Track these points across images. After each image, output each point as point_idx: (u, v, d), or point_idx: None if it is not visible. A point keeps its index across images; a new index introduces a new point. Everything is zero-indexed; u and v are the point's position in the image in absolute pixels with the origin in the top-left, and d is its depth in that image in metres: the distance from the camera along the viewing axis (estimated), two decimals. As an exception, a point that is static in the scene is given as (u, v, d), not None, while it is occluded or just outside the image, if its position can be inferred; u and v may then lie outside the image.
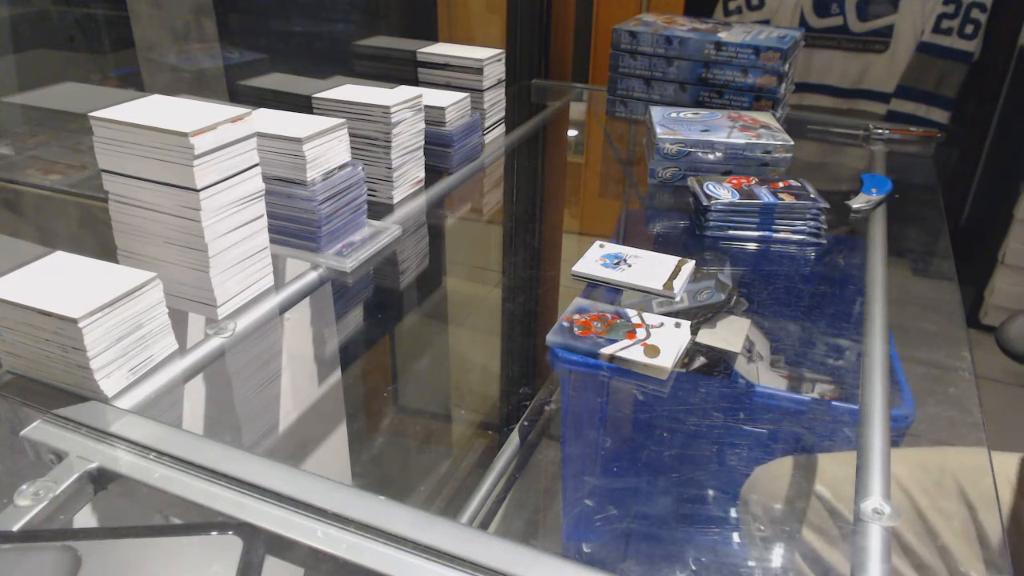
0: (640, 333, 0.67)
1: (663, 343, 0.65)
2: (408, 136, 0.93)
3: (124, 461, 0.50)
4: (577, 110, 1.53)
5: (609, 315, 0.69)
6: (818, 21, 1.69)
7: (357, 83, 0.97)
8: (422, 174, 0.99)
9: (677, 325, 0.68)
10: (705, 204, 0.90)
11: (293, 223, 0.78)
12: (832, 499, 0.59)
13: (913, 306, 0.74)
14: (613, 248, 0.83)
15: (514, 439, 0.68)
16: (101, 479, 0.50)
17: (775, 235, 0.91)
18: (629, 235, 1.00)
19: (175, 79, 1.14)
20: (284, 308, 0.72)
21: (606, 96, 1.33)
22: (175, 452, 0.51)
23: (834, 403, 0.64)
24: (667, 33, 1.22)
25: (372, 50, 1.21)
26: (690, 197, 0.98)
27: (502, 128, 1.23)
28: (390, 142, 0.90)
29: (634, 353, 0.64)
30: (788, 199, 0.90)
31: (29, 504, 0.46)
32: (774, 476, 0.61)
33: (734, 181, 0.95)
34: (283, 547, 0.45)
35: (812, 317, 0.78)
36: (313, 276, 0.77)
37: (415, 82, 1.17)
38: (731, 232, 0.91)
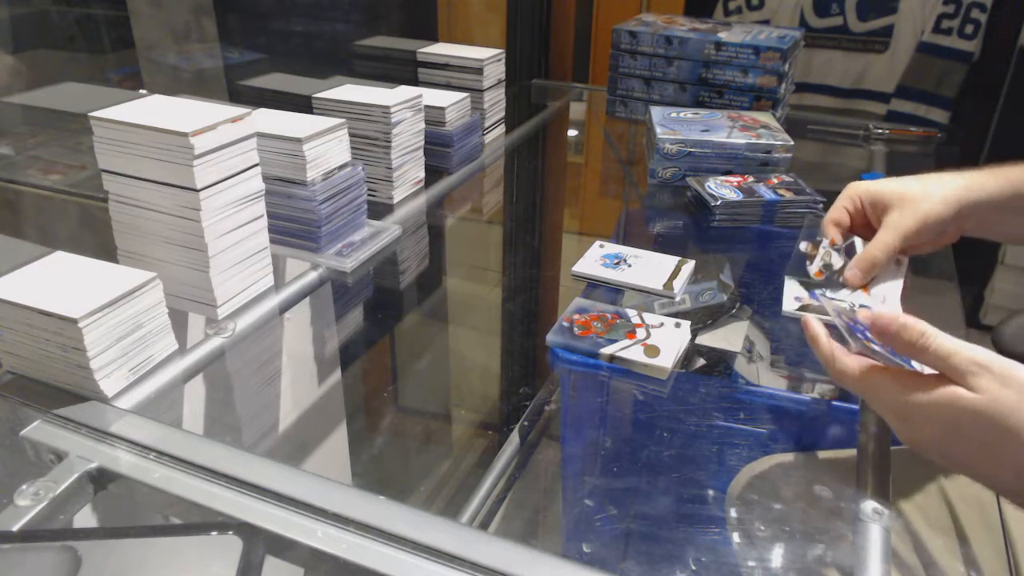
0: (640, 333, 0.67)
1: (663, 343, 0.65)
2: (408, 136, 0.93)
3: (124, 461, 0.50)
4: (577, 110, 1.53)
5: (609, 315, 0.69)
6: (818, 21, 1.69)
7: (357, 83, 0.97)
8: (422, 174, 0.99)
9: (677, 325, 0.68)
10: (713, 204, 0.90)
11: (293, 223, 0.78)
12: (830, 498, 0.59)
13: (913, 306, 0.74)
14: (613, 248, 0.83)
15: (514, 439, 0.68)
16: (101, 479, 0.50)
17: (776, 230, 0.92)
18: (629, 235, 1.00)
19: (175, 79, 1.14)
20: (284, 308, 0.72)
21: (606, 96, 1.33)
22: (175, 452, 0.51)
23: (834, 403, 0.64)
24: (667, 33, 1.22)
25: (372, 50, 1.21)
26: (690, 197, 0.98)
27: (502, 128, 1.23)
28: (390, 142, 0.90)
29: (634, 353, 0.64)
30: (788, 194, 0.92)
31: (29, 504, 0.46)
32: (763, 474, 0.61)
33: (734, 180, 0.96)
34: (283, 547, 0.45)
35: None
36: (313, 276, 0.77)
37: (415, 82, 1.17)
38: (734, 230, 0.92)
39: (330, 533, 0.45)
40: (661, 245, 0.90)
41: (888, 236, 0.64)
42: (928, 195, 0.63)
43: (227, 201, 0.65)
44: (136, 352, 0.57)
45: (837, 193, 0.71)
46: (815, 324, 0.54)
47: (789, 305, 0.72)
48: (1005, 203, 0.62)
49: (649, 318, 0.69)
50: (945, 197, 0.62)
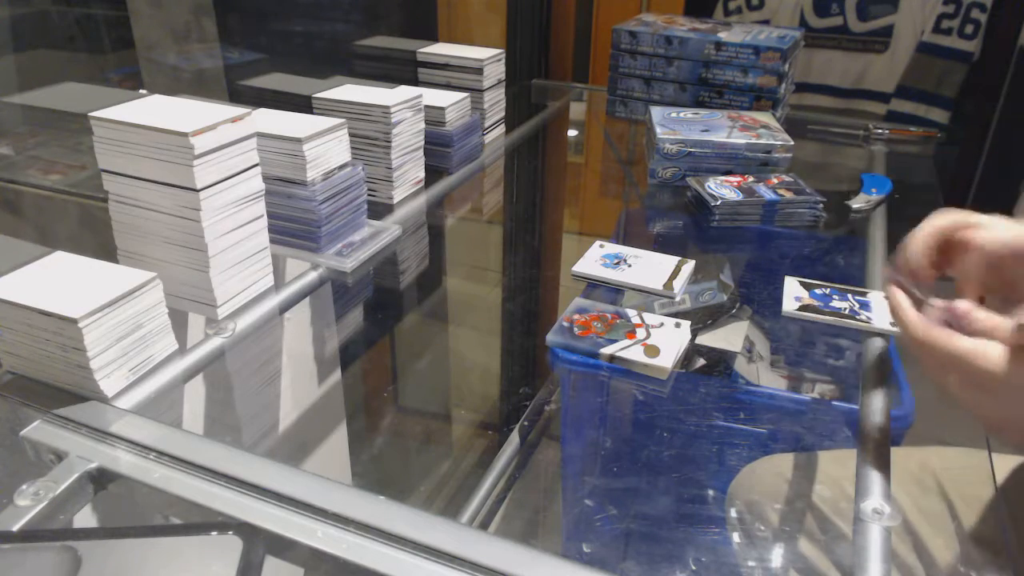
0: (640, 333, 0.67)
1: (663, 343, 0.65)
2: (408, 136, 0.93)
3: (124, 461, 0.50)
4: (577, 110, 1.53)
5: (609, 315, 0.69)
6: (818, 21, 1.69)
7: (357, 83, 0.97)
8: (422, 174, 0.99)
9: (677, 325, 0.68)
10: (713, 204, 0.91)
11: (293, 223, 0.78)
12: (830, 498, 0.59)
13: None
14: (613, 248, 0.83)
15: (514, 439, 0.68)
16: (101, 479, 0.50)
17: (776, 229, 0.92)
18: (629, 235, 1.00)
19: (175, 79, 1.14)
20: (284, 308, 0.72)
21: (606, 96, 1.33)
22: (175, 452, 0.51)
23: (834, 403, 0.64)
24: (667, 33, 1.22)
25: (372, 50, 1.21)
26: (690, 197, 0.98)
27: (502, 128, 1.23)
28: (390, 142, 0.90)
29: (634, 353, 0.64)
30: (788, 194, 0.92)
31: (29, 504, 0.46)
32: (763, 474, 0.61)
33: (734, 180, 0.96)
34: (283, 547, 0.45)
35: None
36: (313, 276, 0.77)
37: (415, 82, 1.17)
38: (734, 230, 0.92)
39: (330, 533, 0.45)
40: (661, 245, 0.90)
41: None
42: None
43: (227, 201, 0.65)
44: (136, 352, 0.57)
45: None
46: (898, 294, 0.53)
47: (789, 305, 0.72)
48: None
49: (649, 318, 0.69)
50: None
